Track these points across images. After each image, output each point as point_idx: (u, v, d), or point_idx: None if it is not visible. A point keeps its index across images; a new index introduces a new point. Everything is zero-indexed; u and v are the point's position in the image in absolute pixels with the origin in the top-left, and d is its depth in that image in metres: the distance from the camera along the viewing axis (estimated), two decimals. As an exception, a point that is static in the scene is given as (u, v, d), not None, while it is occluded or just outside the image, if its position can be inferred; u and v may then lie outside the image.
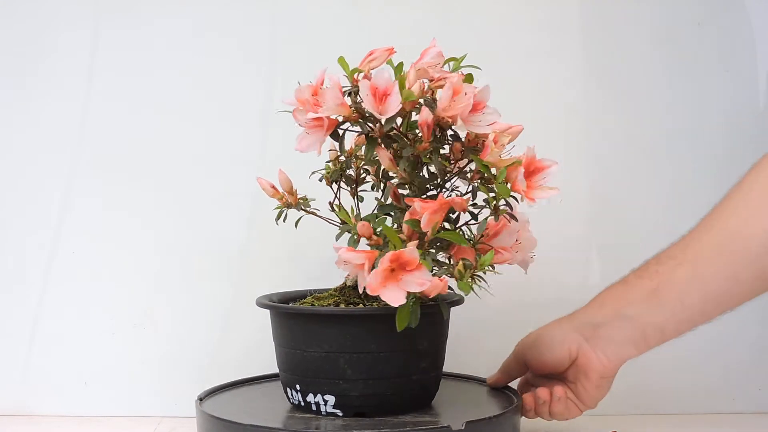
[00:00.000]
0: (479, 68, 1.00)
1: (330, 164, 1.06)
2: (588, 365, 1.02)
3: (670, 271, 0.99)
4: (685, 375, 1.27)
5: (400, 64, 1.00)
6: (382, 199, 1.02)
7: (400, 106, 0.94)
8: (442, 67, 1.01)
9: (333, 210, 1.05)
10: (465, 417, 0.99)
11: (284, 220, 1.05)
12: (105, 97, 1.27)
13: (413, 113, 0.98)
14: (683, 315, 0.99)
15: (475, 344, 1.21)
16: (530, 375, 1.11)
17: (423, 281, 0.90)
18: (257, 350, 1.23)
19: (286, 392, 1.08)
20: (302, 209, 1.06)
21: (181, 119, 1.27)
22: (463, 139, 0.99)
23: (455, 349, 1.12)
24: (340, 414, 1.02)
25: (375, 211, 1.02)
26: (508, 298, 1.17)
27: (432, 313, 1.00)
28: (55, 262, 1.26)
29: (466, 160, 0.99)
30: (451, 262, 0.99)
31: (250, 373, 1.20)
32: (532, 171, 0.97)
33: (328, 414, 1.03)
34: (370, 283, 0.90)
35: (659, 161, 1.29)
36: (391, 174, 1.01)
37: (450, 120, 0.96)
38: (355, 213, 1.04)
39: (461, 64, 1.01)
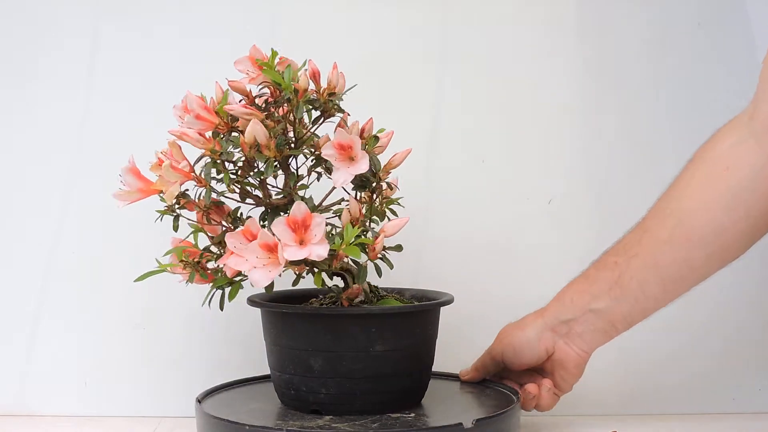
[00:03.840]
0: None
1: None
2: (565, 358, 1.10)
3: (627, 263, 1.05)
4: (684, 375, 1.27)
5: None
6: None
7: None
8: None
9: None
10: (457, 415, 1.01)
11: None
12: (105, 97, 1.27)
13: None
14: (646, 303, 1.05)
15: (467, 343, 1.21)
16: (504, 371, 1.16)
17: None
18: (257, 350, 1.23)
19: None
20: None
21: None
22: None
23: (443, 348, 1.13)
24: (334, 414, 1.02)
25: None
26: (504, 298, 1.17)
27: (423, 312, 1.03)
28: (55, 262, 1.26)
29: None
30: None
31: (249, 373, 1.20)
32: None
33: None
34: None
35: (658, 162, 1.29)
36: None
37: None
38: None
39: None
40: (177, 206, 1.04)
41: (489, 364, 1.15)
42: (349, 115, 1.05)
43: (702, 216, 1.02)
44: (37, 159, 1.27)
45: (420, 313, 1.06)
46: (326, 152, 0.99)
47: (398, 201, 1.07)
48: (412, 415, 1.04)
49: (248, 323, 1.25)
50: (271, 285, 0.98)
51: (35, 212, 1.27)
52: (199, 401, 1.08)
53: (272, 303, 1.06)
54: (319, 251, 0.94)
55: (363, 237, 0.99)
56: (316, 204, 1.07)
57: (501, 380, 1.17)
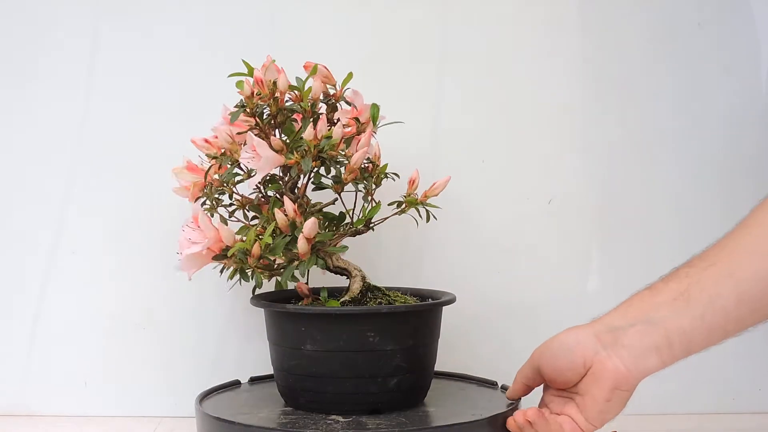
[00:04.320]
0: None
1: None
2: (602, 372, 0.89)
3: (701, 272, 0.89)
4: (684, 375, 1.27)
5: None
6: None
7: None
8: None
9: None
10: (460, 414, 1.01)
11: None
12: (105, 97, 1.27)
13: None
14: (713, 319, 0.88)
15: (467, 344, 1.21)
16: (544, 391, 0.99)
17: None
18: (257, 350, 1.23)
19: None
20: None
21: (181, 119, 1.27)
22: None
23: (444, 348, 1.13)
24: (336, 414, 1.02)
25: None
26: (505, 298, 1.17)
27: (425, 311, 1.03)
28: (55, 262, 1.26)
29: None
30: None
31: (249, 373, 1.20)
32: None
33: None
34: None
35: (659, 162, 1.29)
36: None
37: None
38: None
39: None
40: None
41: (528, 375, 0.98)
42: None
43: None
44: (37, 159, 1.27)
45: (422, 313, 1.06)
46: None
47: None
48: (416, 414, 1.04)
49: (248, 323, 1.25)
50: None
51: (35, 212, 1.27)
52: (199, 401, 1.08)
53: (274, 303, 1.06)
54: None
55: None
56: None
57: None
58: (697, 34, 1.28)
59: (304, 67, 1.10)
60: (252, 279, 1.03)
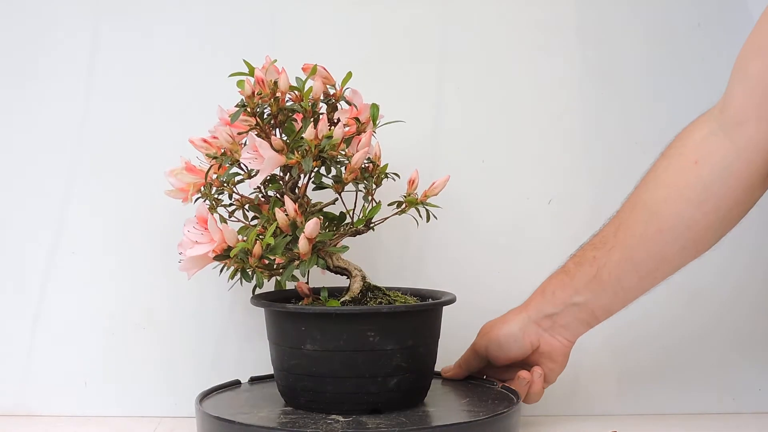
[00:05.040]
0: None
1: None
2: (552, 350, 1.12)
3: (606, 257, 1.07)
4: (685, 375, 1.27)
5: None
6: None
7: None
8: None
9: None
10: (460, 414, 1.02)
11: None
12: (105, 97, 1.27)
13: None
14: (624, 294, 1.08)
15: (467, 344, 1.21)
16: (487, 367, 1.17)
17: None
18: (257, 350, 1.23)
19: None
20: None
21: (182, 119, 1.27)
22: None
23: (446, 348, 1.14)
24: (336, 413, 1.02)
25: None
26: (505, 298, 1.17)
27: (425, 311, 1.04)
28: (55, 262, 1.26)
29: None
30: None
31: (249, 373, 1.20)
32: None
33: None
34: None
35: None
36: None
37: None
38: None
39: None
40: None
41: (472, 360, 1.17)
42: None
43: (673, 209, 1.03)
44: (37, 159, 1.27)
45: (422, 313, 1.06)
46: None
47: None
48: (415, 414, 1.04)
49: (248, 323, 1.25)
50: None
51: (35, 212, 1.26)
52: (199, 401, 1.08)
53: (274, 302, 1.07)
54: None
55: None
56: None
57: (485, 377, 1.18)
58: (697, 34, 1.28)
59: (302, 69, 1.10)
60: (252, 279, 1.03)
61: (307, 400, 1.04)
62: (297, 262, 1.02)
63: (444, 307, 1.09)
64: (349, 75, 1.10)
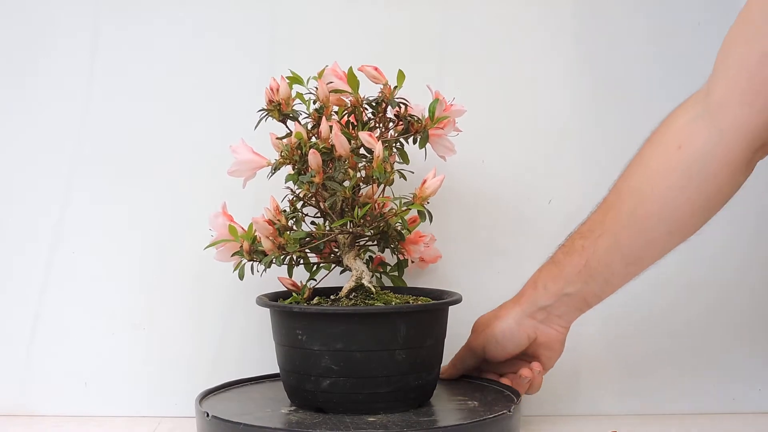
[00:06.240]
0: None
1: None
2: (549, 340, 1.13)
3: (594, 245, 1.07)
4: (684, 375, 1.28)
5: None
6: None
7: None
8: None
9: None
10: (462, 415, 1.02)
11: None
12: (105, 97, 1.27)
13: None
14: (614, 280, 1.09)
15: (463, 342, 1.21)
16: (484, 363, 1.18)
17: None
18: (257, 350, 1.23)
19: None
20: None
21: (181, 119, 1.27)
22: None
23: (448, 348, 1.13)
24: (340, 413, 1.02)
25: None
26: (504, 298, 1.17)
27: (432, 311, 1.03)
28: (55, 262, 1.26)
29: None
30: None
31: (250, 373, 1.20)
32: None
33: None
34: None
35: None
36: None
37: None
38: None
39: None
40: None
41: (468, 358, 1.17)
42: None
43: (658, 193, 1.03)
44: (37, 159, 1.27)
45: (428, 313, 1.06)
46: None
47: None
48: (418, 414, 1.04)
49: (248, 323, 1.25)
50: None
51: (35, 212, 1.27)
52: (199, 401, 1.08)
53: (277, 303, 1.06)
54: None
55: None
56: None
57: (481, 374, 1.19)
58: (697, 34, 1.28)
59: (359, 69, 1.12)
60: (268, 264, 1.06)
61: (310, 400, 1.04)
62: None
63: (449, 307, 1.09)
64: (402, 75, 1.12)
